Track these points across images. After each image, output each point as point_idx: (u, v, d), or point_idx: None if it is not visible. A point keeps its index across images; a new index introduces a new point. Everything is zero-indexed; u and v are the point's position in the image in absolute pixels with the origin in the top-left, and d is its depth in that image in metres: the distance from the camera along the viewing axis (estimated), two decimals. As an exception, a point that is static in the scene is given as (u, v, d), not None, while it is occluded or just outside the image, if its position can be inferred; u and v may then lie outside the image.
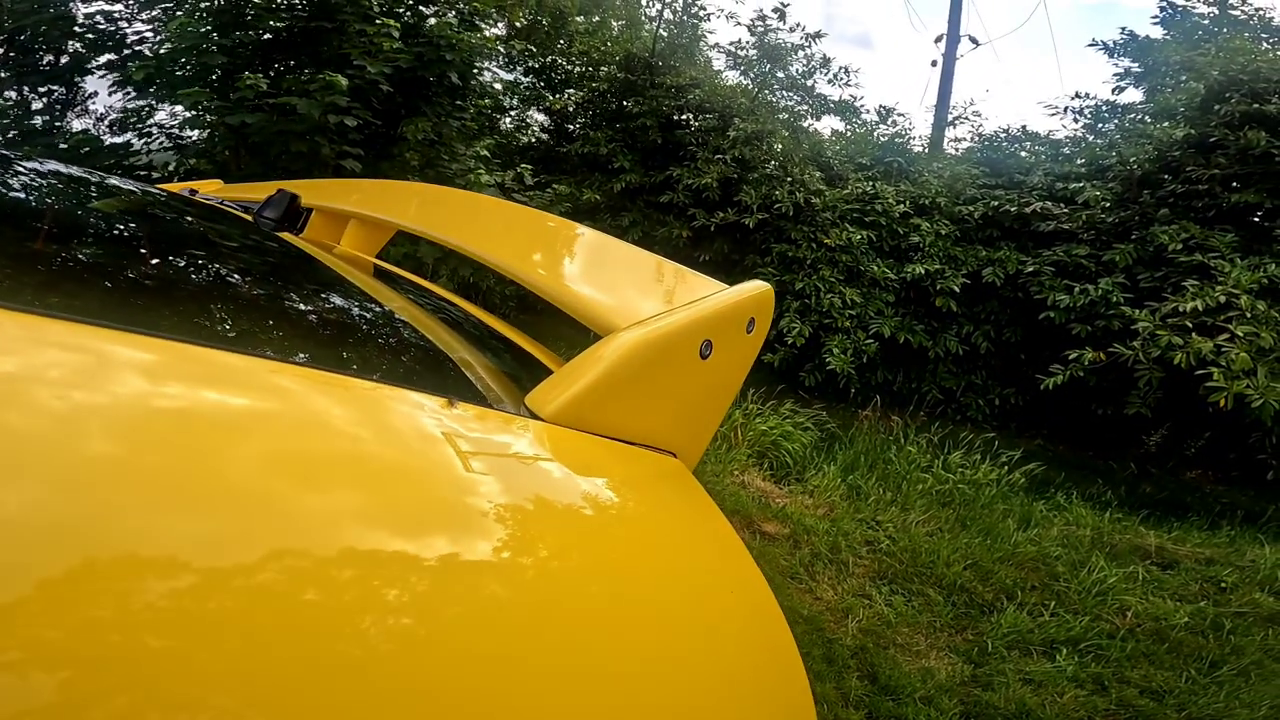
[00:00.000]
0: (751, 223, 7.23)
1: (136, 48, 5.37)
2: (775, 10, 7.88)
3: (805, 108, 8.48)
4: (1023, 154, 8.59)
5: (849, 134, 9.00)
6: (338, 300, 0.83)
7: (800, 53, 8.12)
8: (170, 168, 5.46)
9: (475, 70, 5.71)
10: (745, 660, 0.54)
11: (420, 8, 5.32)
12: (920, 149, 9.19)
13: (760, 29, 8.05)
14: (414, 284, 1.09)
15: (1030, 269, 6.59)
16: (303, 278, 0.91)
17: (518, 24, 7.52)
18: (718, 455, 3.70)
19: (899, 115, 8.86)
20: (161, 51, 4.91)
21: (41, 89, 5.86)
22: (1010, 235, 7.20)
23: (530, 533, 0.48)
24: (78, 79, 5.80)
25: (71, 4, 5.53)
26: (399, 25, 4.58)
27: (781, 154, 7.56)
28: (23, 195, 0.91)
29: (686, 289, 0.79)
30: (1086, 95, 8.34)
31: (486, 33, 5.55)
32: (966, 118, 9.38)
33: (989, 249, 7.17)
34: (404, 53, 4.67)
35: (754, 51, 8.24)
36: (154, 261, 0.76)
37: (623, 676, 0.43)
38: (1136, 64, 7.77)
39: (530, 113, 8.75)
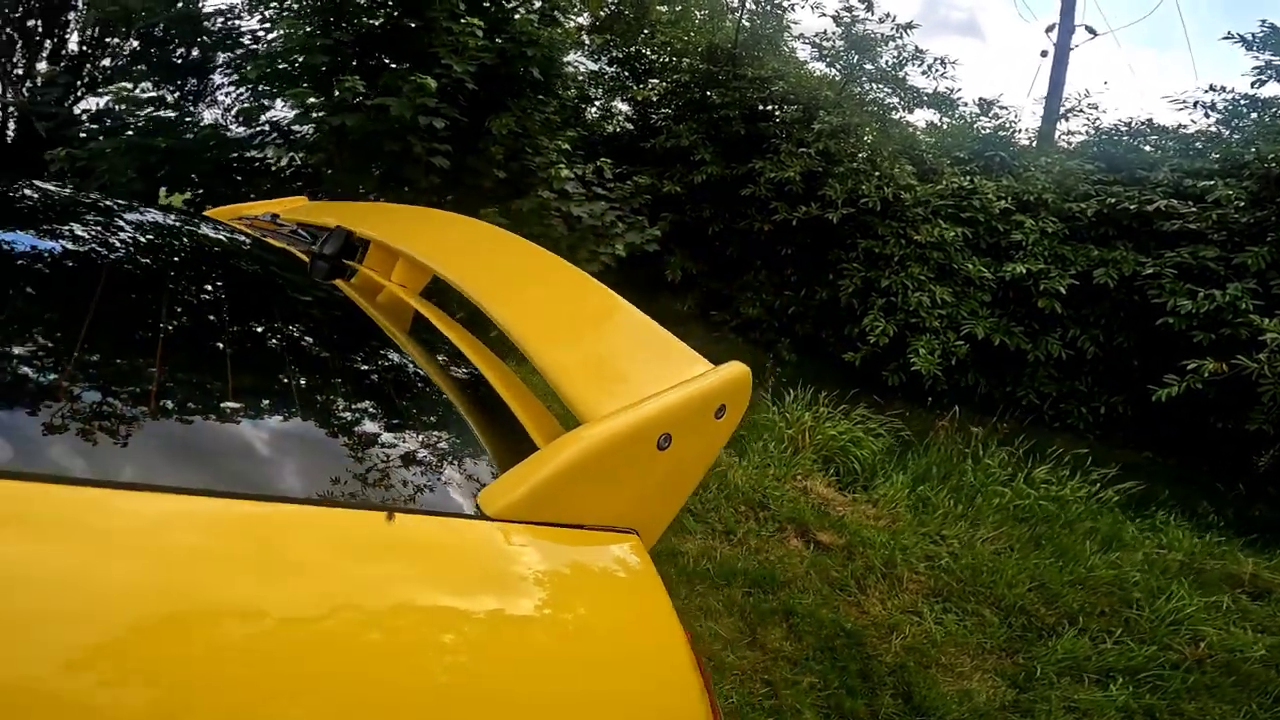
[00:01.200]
0: (835, 218, 7.03)
1: (252, 47, 5.77)
2: (862, 0, 7.61)
3: (896, 100, 8.15)
4: (1146, 149, 7.95)
5: (945, 127, 8.59)
6: (328, 391, 0.85)
7: (891, 44, 7.79)
8: (283, 162, 5.87)
9: (558, 64, 5.78)
10: None
11: (504, 3, 5.45)
12: (1027, 142, 8.66)
13: (847, 20, 7.79)
14: (435, 338, 1.10)
15: (1149, 271, 6.11)
16: (310, 358, 0.93)
17: (600, 14, 7.58)
18: (782, 459, 3.63)
19: (1001, 107, 8.35)
20: (272, 51, 5.25)
21: (177, 82, 6.39)
22: (1127, 234, 6.71)
23: (442, 637, 0.52)
24: (207, 74, 6.29)
25: (200, 2, 5.97)
26: (483, 24, 4.71)
27: (869, 147, 7.31)
28: (97, 248, 1.02)
29: (667, 369, 0.77)
30: (1221, 89, 7.62)
31: (568, 25, 5.62)
32: (1081, 110, 8.76)
33: (1102, 249, 6.70)
34: (488, 50, 4.81)
35: (841, 43, 7.98)
36: (180, 320, 0.86)
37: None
38: (1278, 57, 7.04)
39: (615, 103, 8.81)
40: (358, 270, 1.26)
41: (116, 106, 5.49)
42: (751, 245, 7.97)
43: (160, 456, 0.59)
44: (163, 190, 5.70)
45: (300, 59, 5.01)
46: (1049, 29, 9.73)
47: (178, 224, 1.31)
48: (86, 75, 9.31)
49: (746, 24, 8.29)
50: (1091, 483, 3.58)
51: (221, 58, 6.01)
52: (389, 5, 5.19)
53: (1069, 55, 9.50)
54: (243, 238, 1.31)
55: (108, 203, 1.32)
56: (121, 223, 1.20)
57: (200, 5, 5.85)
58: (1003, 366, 7.09)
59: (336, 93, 4.67)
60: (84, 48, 8.83)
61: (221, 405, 0.69)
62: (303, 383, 0.82)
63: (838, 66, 8.15)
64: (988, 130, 8.32)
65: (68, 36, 9.64)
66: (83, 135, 5.71)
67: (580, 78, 7.54)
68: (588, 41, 7.78)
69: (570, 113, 6.68)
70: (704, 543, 2.75)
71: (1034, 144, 8.67)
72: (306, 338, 0.99)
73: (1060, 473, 3.67)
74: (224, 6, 5.90)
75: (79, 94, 9.15)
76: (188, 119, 5.83)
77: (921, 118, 8.71)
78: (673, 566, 2.57)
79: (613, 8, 7.91)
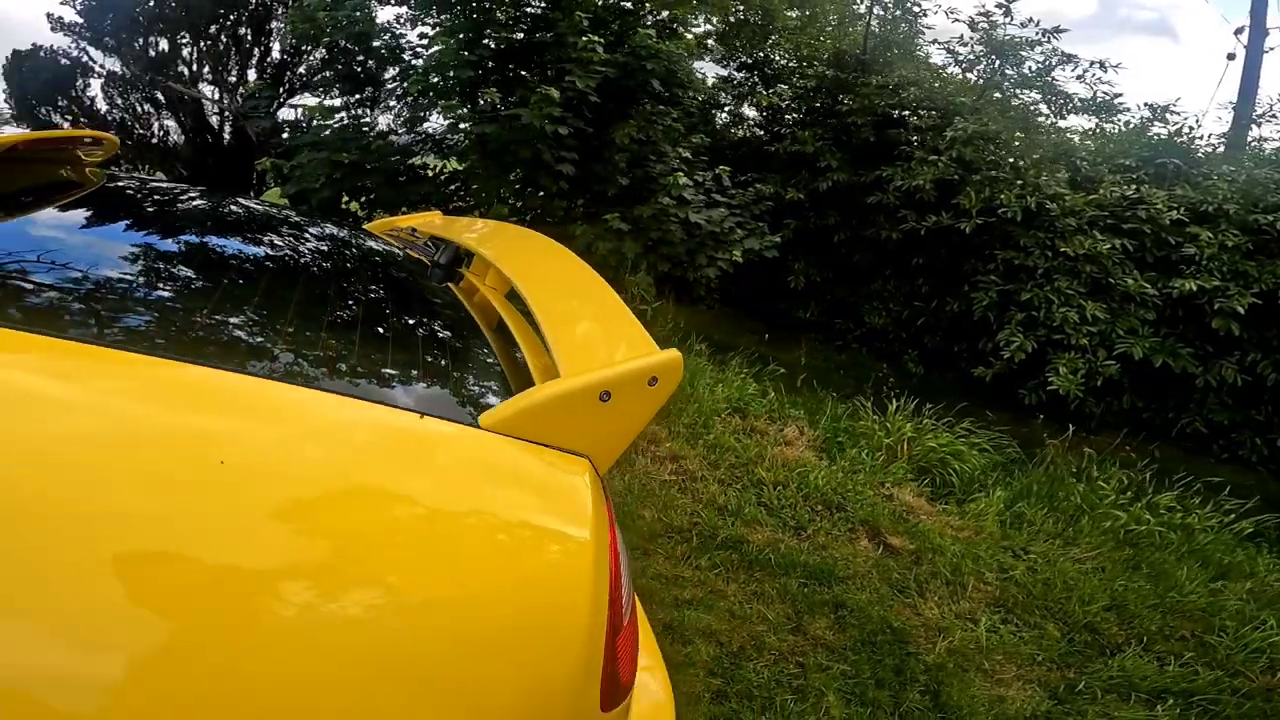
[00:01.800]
0: (968, 227, 6.72)
1: (414, 62, 6.46)
2: (999, 5, 7.24)
3: (1045, 106, 7.66)
4: (1348, 159, 6.99)
5: (1108, 133, 7.94)
6: (424, 352, 1.18)
7: (1037, 49, 7.34)
8: (438, 168, 6.55)
9: (680, 73, 5.99)
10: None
11: (627, 18, 5.74)
12: (1209, 150, 7.83)
13: (984, 25, 7.43)
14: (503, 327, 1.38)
15: (1347, 292, 5.40)
16: (416, 333, 1.27)
17: (730, 19, 7.71)
18: (873, 466, 3.60)
19: (1172, 112, 7.61)
20: (427, 65, 5.87)
21: (355, 95, 7.28)
22: (1324, 252, 5.95)
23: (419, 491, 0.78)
24: (379, 86, 7.11)
25: (374, 18, 6.75)
26: (602, 41, 5.03)
27: (1012, 154, 6.93)
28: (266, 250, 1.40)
29: (624, 347, 1.01)
30: None
31: (689, 35, 5.80)
32: (1274, 116, 7.80)
33: (1292, 265, 5.98)
34: (610, 65, 5.12)
35: (980, 47, 7.63)
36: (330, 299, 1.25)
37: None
38: None
39: (744, 108, 8.91)
40: (464, 276, 1.53)
41: (308, 119, 6.37)
42: (879, 253, 7.78)
43: (317, 374, 0.93)
44: (345, 197, 6.49)
45: (451, 73, 5.57)
46: (1238, 31, 8.85)
47: (341, 235, 1.65)
48: (286, 83, 10.73)
49: (876, 30, 8.12)
50: (1225, 512, 3.25)
51: (389, 72, 6.75)
52: (525, 22, 5.65)
53: (1262, 59, 8.53)
54: (385, 247, 1.62)
55: (296, 218, 1.73)
56: (304, 234, 1.60)
57: (372, 13, 6.56)
58: (1165, 391, 6.49)
59: (481, 103, 5.17)
60: (284, 56, 10.15)
61: (359, 350, 1.04)
62: (407, 345, 1.16)
63: (976, 71, 7.79)
64: (1161, 136, 7.59)
65: (271, 45, 11.12)
66: (284, 141, 6.60)
67: (706, 85, 7.71)
68: (712, 47, 7.95)
69: (695, 120, 6.87)
70: (771, 535, 2.83)
71: (1218, 151, 7.81)
72: (419, 320, 1.33)
73: (1189, 500, 3.36)
74: (395, 18, 6.64)
75: (281, 101, 10.55)
76: (365, 129, 6.61)
77: (1080, 124, 8.10)
78: (735, 553, 2.67)
79: (739, 14, 8.03)
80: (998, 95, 7.47)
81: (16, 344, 0.73)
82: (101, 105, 15.26)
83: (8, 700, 0.58)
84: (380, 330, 1.19)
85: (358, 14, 5.86)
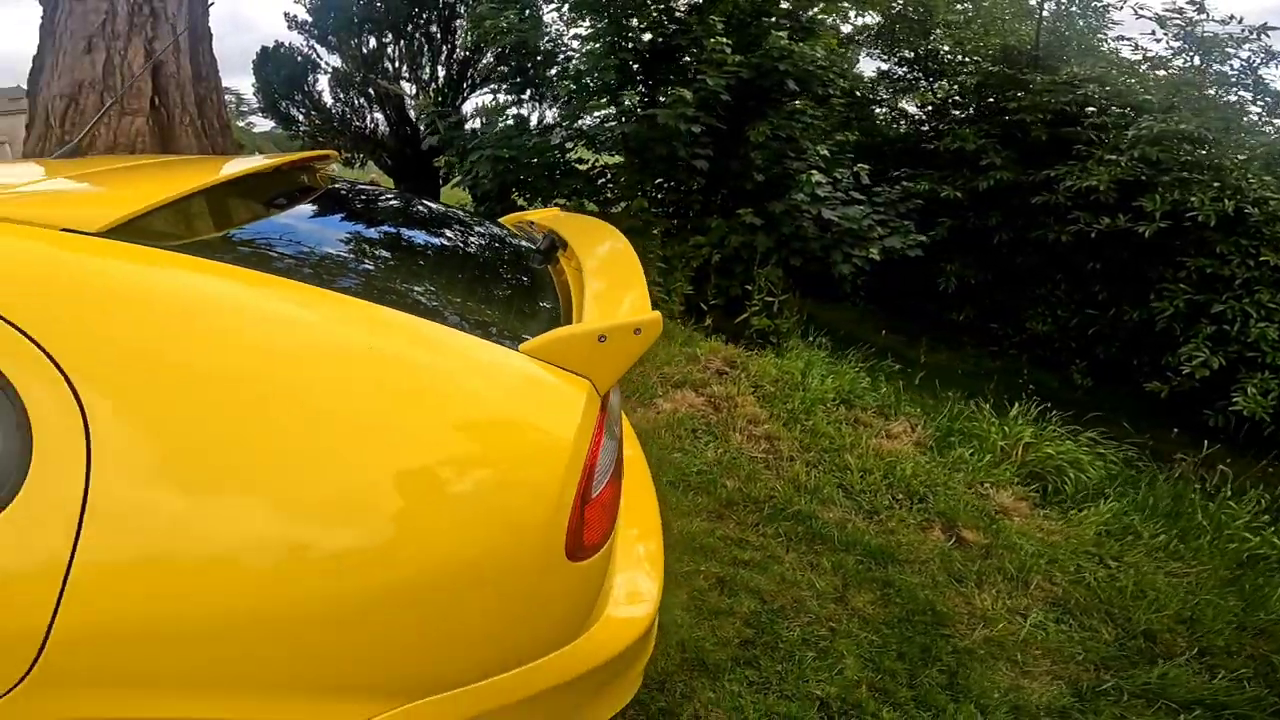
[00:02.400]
0: (1147, 231, 6.12)
1: (568, 64, 7.00)
2: (1190, 2, 6.46)
3: (1255, 106, 6.76)
4: None
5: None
6: (517, 304, 1.57)
7: (1244, 46, 6.48)
8: (591, 162, 7.06)
9: (819, 73, 5.99)
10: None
11: (761, 20, 5.85)
12: None
13: (1179, 21, 6.66)
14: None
15: None
16: (509, 289, 1.69)
17: (889, 12, 7.52)
18: (978, 466, 3.54)
19: None
20: (578, 68, 6.36)
21: (519, 95, 8.01)
22: None
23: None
24: (539, 87, 7.76)
25: (541, 16, 7.36)
26: (732, 43, 5.20)
27: (1212, 154, 6.20)
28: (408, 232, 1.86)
29: (630, 304, 1.32)
30: None
31: (829, 35, 5.78)
32: None
33: None
34: (743, 65, 5.28)
35: (1175, 43, 6.86)
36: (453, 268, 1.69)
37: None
38: None
39: (904, 104, 8.63)
40: (559, 259, 1.88)
41: (482, 117, 7.12)
42: (1046, 256, 7.27)
43: (447, 315, 1.28)
44: (514, 191, 7.17)
45: (598, 75, 6.02)
46: None
47: (478, 224, 2.09)
48: (467, 81, 11.81)
49: (1048, 24, 7.55)
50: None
51: (550, 71, 7.34)
52: (666, 26, 5.96)
53: None
54: (508, 234, 2.03)
55: (448, 211, 2.19)
56: (450, 223, 2.06)
57: (539, 12, 7.16)
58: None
59: (625, 103, 5.56)
60: (466, 54, 11.20)
61: (473, 302, 1.44)
62: (500, 301, 1.56)
63: (1169, 69, 7.04)
64: None
65: (455, 43, 12.30)
66: (465, 137, 7.40)
67: (861, 81, 7.59)
68: (870, 41, 7.79)
69: (845, 116, 6.82)
70: (843, 515, 2.93)
71: None
72: (512, 286, 1.71)
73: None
74: (557, 17, 7.21)
75: (465, 96, 11.63)
76: (526, 126, 7.26)
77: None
78: (802, 526, 2.81)
79: (897, 8, 7.80)
80: (1194, 94, 6.70)
81: (286, 288, 1.13)
82: (328, 100, 17.40)
83: (253, 557, 0.97)
84: (488, 291, 1.60)
85: (520, 19, 6.45)
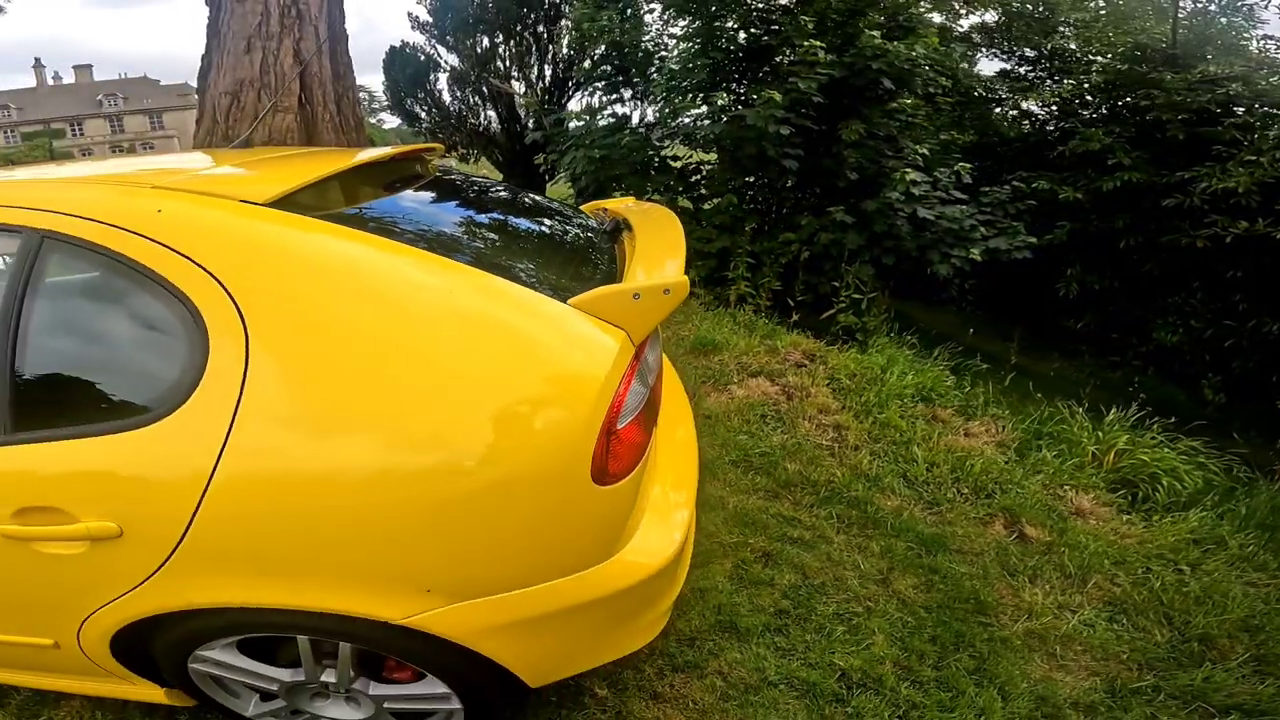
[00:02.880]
0: (1288, 234, 5.56)
1: (664, 66, 7.15)
2: None
3: None
4: None
5: None
6: (581, 271, 1.74)
7: None
8: (680, 161, 7.20)
9: (914, 74, 5.83)
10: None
11: (853, 20, 5.75)
12: None
13: None
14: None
15: None
16: (576, 261, 1.87)
17: (1008, 9, 7.19)
18: (1062, 470, 3.39)
19: None
20: (672, 69, 6.50)
21: (615, 94, 8.26)
22: None
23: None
24: (635, 86, 7.97)
25: (641, 15, 7.55)
26: (825, 45, 5.16)
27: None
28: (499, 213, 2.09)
29: (667, 268, 1.50)
30: None
31: (930, 34, 5.60)
32: None
33: None
34: (835, 66, 5.23)
35: None
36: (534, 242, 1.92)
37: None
38: None
39: (1025, 103, 8.22)
40: (623, 238, 2.07)
41: (580, 116, 7.40)
42: (1180, 263, 6.72)
43: (526, 277, 1.46)
44: (612, 186, 7.42)
45: (689, 80, 6.15)
46: None
47: (554, 208, 2.32)
48: (571, 79, 12.23)
49: (1184, 22, 6.97)
50: None
51: (649, 69, 7.53)
52: (756, 27, 5.99)
53: None
54: (580, 216, 2.24)
55: (536, 198, 2.43)
56: (535, 206, 2.30)
57: (640, 10, 7.35)
58: None
59: (718, 103, 5.64)
60: (570, 52, 11.61)
61: (546, 269, 1.63)
62: (567, 268, 1.71)
63: None
64: None
65: (560, 43, 12.79)
66: (563, 137, 7.74)
67: (955, 80, 7.29)
68: (976, 41, 7.48)
69: (954, 116, 6.60)
70: (900, 504, 2.91)
71: None
72: (578, 258, 1.87)
73: None
74: (657, 16, 7.39)
75: (568, 95, 12.07)
76: (622, 125, 7.48)
77: None
78: (857, 511, 2.83)
79: (1017, 5, 7.44)
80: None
81: (399, 250, 1.36)
82: (446, 97, 18.42)
83: (358, 473, 1.19)
84: (553, 259, 1.81)
85: (621, 19, 6.67)
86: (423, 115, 19.45)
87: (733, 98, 5.68)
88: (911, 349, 4.97)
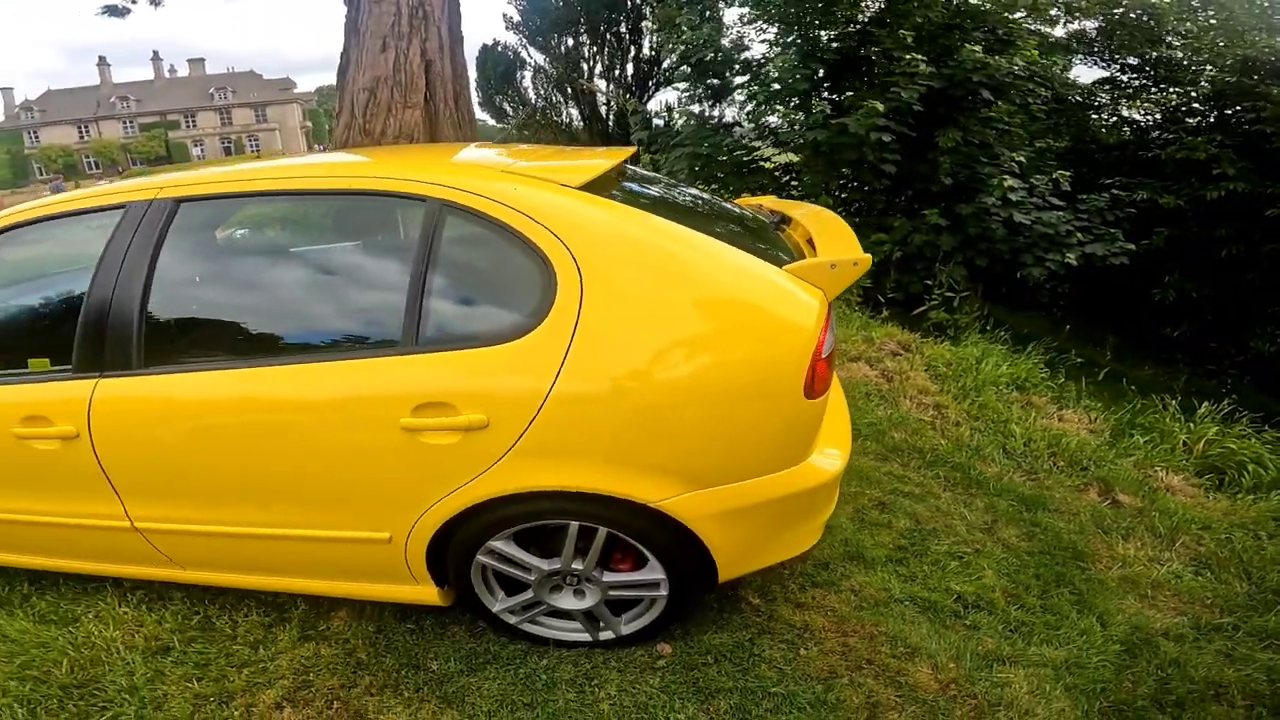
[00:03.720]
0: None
1: (760, 70, 7.52)
2: None
3: None
4: None
5: None
6: (772, 245, 2.13)
7: None
8: (772, 163, 7.58)
9: (1012, 84, 6.04)
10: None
11: (952, 33, 6.00)
12: None
13: None
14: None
15: None
16: (763, 241, 2.23)
17: (1109, 16, 7.28)
18: (1153, 454, 3.65)
19: None
20: (768, 76, 6.87)
21: (700, 90, 8.67)
22: None
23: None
24: (726, 84, 8.38)
25: (722, 17, 7.95)
26: (926, 58, 5.44)
27: None
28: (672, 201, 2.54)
29: (842, 248, 1.91)
30: None
31: (1030, 46, 5.79)
32: None
33: None
34: (934, 77, 5.52)
35: None
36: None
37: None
38: None
39: (1125, 110, 8.25)
40: (785, 229, 2.50)
41: (666, 114, 7.84)
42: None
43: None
44: (713, 186, 7.86)
45: (789, 83, 6.52)
46: None
47: (733, 205, 2.75)
48: (652, 79, 12.72)
49: None
50: None
51: (734, 69, 7.93)
52: (853, 39, 6.31)
53: None
54: (754, 210, 2.66)
55: (714, 197, 2.84)
56: (721, 202, 2.70)
57: (720, 13, 7.74)
58: None
59: (815, 111, 5.99)
60: (652, 53, 12.10)
61: (754, 245, 1.95)
62: (768, 245, 2.07)
63: None
64: None
65: (643, 43, 13.29)
66: (655, 131, 8.21)
67: (1054, 89, 7.41)
68: (1074, 48, 7.58)
69: (1051, 124, 6.77)
70: (1001, 470, 3.25)
71: None
72: (768, 238, 2.21)
73: None
74: (738, 18, 7.79)
75: (649, 94, 12.52)
76: (712, 124, 7.89)
77: None
78: (961, 474, 3.18)
79: (1118, 13, 7.51)
80: None
81: (667, 224, 1.79)
82: (531, 95, 19.12)
83: (652, 391, 1.66)
84: (758, 239, 2.15)
85: (702, 20, 7.08)
86: (510, 111, 20.33)
87: (829, 105, 6.02)
88: (1004, 345, 5.24)
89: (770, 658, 2.11)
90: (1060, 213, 5.99)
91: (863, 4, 6.08)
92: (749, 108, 8.28)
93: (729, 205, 2.65)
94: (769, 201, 2.87)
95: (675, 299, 1.69)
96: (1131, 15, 7.96)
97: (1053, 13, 7.32)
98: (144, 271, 1.93)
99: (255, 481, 1.94)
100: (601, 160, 2.13)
